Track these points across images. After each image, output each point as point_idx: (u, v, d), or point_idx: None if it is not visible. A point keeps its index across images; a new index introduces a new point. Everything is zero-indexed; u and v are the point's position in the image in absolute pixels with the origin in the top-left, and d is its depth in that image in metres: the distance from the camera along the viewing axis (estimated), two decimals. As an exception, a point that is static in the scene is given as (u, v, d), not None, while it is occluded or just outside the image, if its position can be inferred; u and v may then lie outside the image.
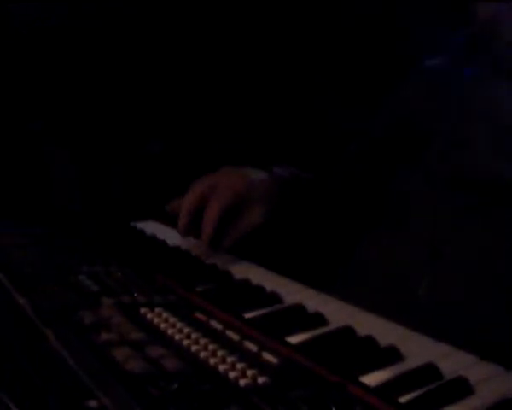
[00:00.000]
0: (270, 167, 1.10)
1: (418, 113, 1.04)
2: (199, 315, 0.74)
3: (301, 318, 0.77)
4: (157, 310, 0.75)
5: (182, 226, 1.02)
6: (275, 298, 0.83)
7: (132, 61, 1.71)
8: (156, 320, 0.72)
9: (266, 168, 1.09)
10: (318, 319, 0.76)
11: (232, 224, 1.01)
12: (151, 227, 1.19)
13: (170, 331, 0.69)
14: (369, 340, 0.69)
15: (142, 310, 0.75)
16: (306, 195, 1.10)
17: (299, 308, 0.79)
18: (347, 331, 0.72)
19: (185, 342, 0.66)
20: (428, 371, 0.62)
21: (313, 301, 0.82)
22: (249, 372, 0.59)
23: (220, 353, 0.63)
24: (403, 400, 0.57)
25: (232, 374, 0.59)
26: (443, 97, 1.01)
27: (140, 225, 1.21)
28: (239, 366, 0.60)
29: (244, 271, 0.95)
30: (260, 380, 0.58)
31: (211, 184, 1.01)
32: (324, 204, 1.11)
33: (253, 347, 0.65)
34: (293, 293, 0.85)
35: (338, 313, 0.78)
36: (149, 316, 0.73)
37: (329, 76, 1.62)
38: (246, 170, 1.07)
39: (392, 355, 0.66)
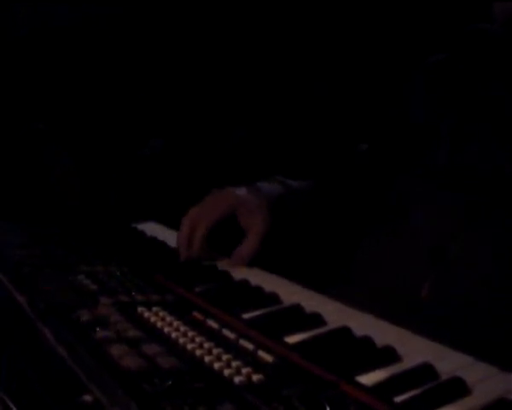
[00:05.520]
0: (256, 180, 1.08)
1: (420, 112, 1.04)
2: (197, 315, 0.74)
3: (299, 318, 0.77)
4: (154, 309, 0.75)
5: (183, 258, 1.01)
6: (273, 299, 0.83)
7: (134, 61, 1.71)
8: (153, 319, 0.72)
9: (250, 183, 1.06)
10: (316, 320, 0.75)
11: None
12: (151, 228, 1.19)
13: (166, 330, 0.69)
14: (366, 340, 0.69)
15: (140, 309, 0.75)
16: (300, 205, 1.09)
17: (297, 309, 0.79)
18: (344, 332, 0.72)
19: (181, 341, 0.66)
20: (425, 371, 0.62)
21: (311, 301, 0.82)
22: (244, 370, 0.59)
23: (216, 351, 0.63)
24: (399, 399, 0.57)
25: (227, 371, 0.59)
26: (444, 96, 1.01)
27: (141, 226, 1.21)
28: (234, 363, 0.60)
29: (243, 271, 0.95)
30: (255, 378, 0.58)
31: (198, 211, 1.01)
32: (323, 205, 1.11)
33: (249, 345, 0.65)
34: (291, 294, 0.85)
35: (336, 313, 0.78)
36: (147, 315, 0.73)
37: (333, 77, 1.62)
38: (230, 189, 1.04)
39: (388, 355, 0.66)
